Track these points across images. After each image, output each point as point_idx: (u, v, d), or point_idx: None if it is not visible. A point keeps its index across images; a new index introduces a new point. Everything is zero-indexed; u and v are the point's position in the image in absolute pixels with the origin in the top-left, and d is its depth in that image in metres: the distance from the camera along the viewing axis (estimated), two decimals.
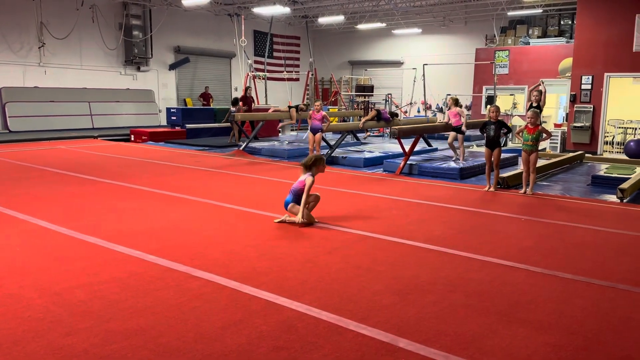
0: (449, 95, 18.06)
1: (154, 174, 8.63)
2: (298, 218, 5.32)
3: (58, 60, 16.27)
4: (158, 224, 5.37)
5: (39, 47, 15.70)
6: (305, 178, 5.45)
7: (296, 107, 13.23)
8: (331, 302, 3.38)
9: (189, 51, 19.63)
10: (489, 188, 7.68)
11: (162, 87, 19.22)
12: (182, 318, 3.11)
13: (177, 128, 15.21)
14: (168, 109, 15.98)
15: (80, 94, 16.51)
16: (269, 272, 3.95)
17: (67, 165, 9.41)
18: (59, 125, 15.66)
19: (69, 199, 6.55)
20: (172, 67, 19.37)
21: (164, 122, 17.70)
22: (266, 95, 17.77)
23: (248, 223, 5.50)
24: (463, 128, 9.54)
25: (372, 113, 11.32)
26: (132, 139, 14.73)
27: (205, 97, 19.43)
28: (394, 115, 12.25)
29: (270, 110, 14.05)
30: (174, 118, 15.52)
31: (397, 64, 22.80)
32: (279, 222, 5.48)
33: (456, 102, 9.90)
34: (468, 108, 19.80)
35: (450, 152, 10.74)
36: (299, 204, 5.38)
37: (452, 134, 9.97)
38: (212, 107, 18.11)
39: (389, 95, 19.34)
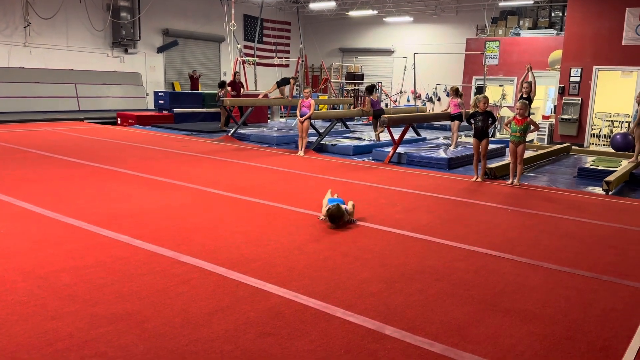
0: (438, 84, 18.16)
1: (141, 158, 8.55)
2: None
3: (44, 41, 15.96)
4: (144, 208, 5.33)
5: (24, 27, 15.37)
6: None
7: (285, 82, 13.44)
8: (319, 289, 3.39)
9: (177, 34, 19.36)
10: (477, 178, 7.72)
11: (150, 70, 18.97)
12: (169, 303, 3.10)
13: (165, 112, 15.05)
14: (156, 93, 15.79)
15: (66, 76, 16.24)
16: (256, 258, 3.94)
17: (53, 147, 9.28)
18: (44, 106, 15.41)
19: (55, 181, 6.47)
20: (160, 50, 19.11)
21: (151, 105, 17.50)
22: (255, 81, 17.64)
23: (236, 209, 5.48)
24: (463, 118, 9.94)
25: (366, 100, 11.43)
26: (119, 122, 14.57)
27: (192, 80, 19.26)
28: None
29: (260, 96, 13.98)
30: (162, 102, 15.34)
31: (388, 52, 22.71)
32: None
33: (456, 92, 10.29)
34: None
35: (440, 141, 11.07)
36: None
37: (455, 123, 10.29)
38: (200, 91, 17.94)
39: (379, 84, 19.30)
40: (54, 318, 2.85)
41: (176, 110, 14.91)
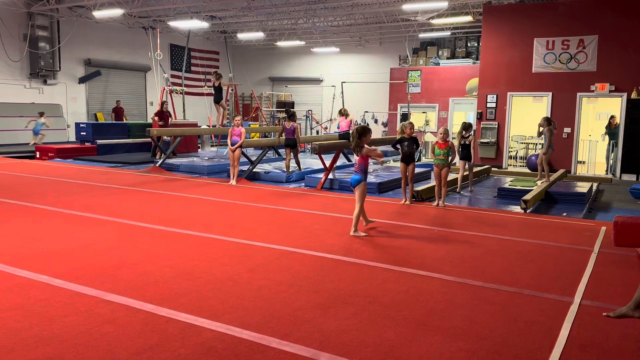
0: (366, 112, 18.67)
1: (62, 193, 8.13)
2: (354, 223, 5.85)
3: None
4: (65, 246, 5.05)
5: None
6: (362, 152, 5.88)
7: (218, 93, 13.47)
8: (253, 321, 3.33)
9: (100, 64, 18.80)
10: (405, 201, 7.96)
11: (71, 101, 18.23)
12: (93, 345, 2.93)
13: (87, 144, 14.47)
14: (77, 124, 15.18)
15: None
16: (187, 292, 3.82)
17: None
18: None
19: None
20: (82, 80, 18.45)
21: (72, 137, 16.77)
22: (184, 110, 17.36)
23: (164, 242, 5.31)
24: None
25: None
26: (38, 156, 13.82)
27: (117, 111, 18.69)
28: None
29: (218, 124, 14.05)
30: (84, 134, 14.76)
31: (317, 81, 23.18)
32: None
33: (342, 112, 11.44)
34: (385, 125, 20.52)
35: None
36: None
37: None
38: (125, 122, 17.42)
39: (310, 112, 19.59)
40: None
41: (99, 141, 14.36)
